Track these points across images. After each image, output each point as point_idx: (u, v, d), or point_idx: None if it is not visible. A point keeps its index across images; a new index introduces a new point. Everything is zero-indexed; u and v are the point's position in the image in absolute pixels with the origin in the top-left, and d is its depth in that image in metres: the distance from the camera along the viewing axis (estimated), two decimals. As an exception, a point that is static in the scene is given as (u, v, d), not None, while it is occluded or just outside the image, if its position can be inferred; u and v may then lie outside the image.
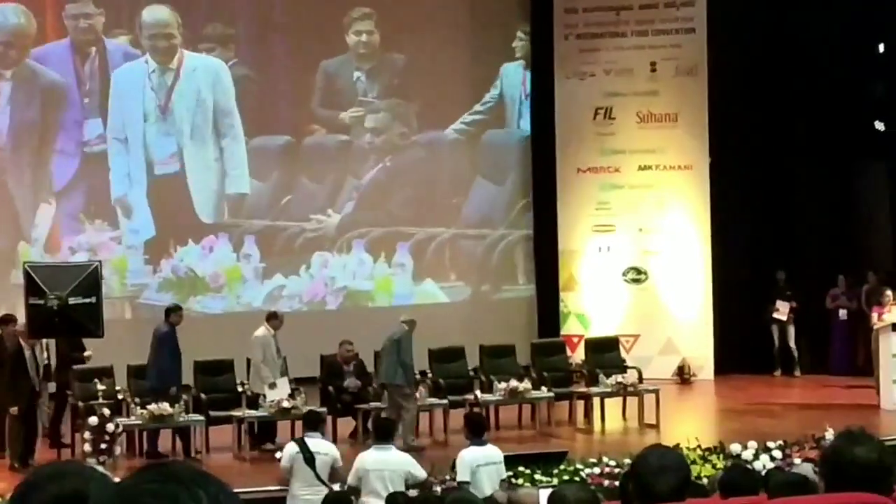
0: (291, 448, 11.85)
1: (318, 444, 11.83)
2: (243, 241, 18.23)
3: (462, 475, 11.38)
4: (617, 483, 12.06)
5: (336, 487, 11.53)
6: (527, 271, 20.71)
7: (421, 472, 11.55)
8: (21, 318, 14.56)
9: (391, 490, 11.02)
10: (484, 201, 20.30)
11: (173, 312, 15.43)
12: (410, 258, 19.29)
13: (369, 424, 15.49)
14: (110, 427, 13.81)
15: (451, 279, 19.79)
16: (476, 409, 14.99)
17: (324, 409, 15.37)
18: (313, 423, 12.34)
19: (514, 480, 12.50)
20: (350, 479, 11.41)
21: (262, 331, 15.41)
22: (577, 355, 19.11)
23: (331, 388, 15.76)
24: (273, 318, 15.45)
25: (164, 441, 15.05)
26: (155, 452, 14.69)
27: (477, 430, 11.95)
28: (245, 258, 18.19)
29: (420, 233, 19.60)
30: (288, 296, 18.31)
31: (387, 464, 11.37)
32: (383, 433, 11.91)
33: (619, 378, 16.51)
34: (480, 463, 11.44)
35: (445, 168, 20.25)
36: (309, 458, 11.61)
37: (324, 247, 18.73)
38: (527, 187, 21.02)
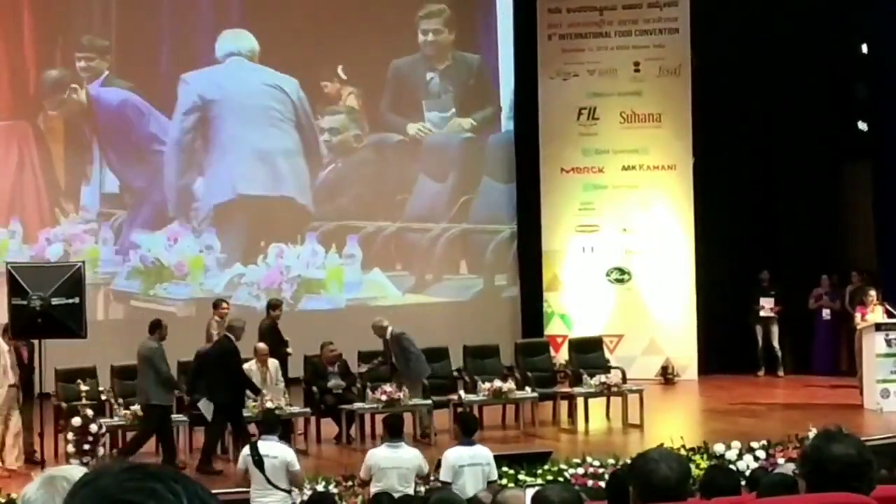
0: (244, 451, 11.88)
1: (270, 447, 11.76)
2: (205, 233, 19.16)
3: (444, 475, 11.39)
4: (601, 483, 12.08)
5: (293, 490, 11.62)
6: (469, 262, 21.10)
7: (424, 468, 11.68)
8: (4, 318, 14.55)
9: (405, 485, 11.33)
10: (427, 197, 20.83)
11: (272, 309, 16.09)
12: (359, 249, 19.98)
13: (353, 427, 15.57)
14: (94, 428, 13.78)
15: (397, 269, 20.38)
16: (461, 409, 15.03)
17: (307, 409, 15.46)
18: (269, 425, 12.37)
19: (498, 481, 12.51)
20: (362, 474, 11.64)
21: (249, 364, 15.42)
22: (561, 355, 19.14)
23: (315, 388, 15.77)
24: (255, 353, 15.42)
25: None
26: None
27: (466, 430, 11.95)
28: (207, 249, 19.06)
29: (368, 226, 20.32)
30: (247, 283, 19.16)
31: (402, 461, 11.56)
32: (395, 430, 11.99)
33: (603, 378, 16.52)
34: (465, 463, 11.43)
35: (391, 167, 20.80)
36: (258, 461, 11.58)
37: (280, 239, 19.53)
38: (466, 184, 21.28)
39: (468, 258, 21.18)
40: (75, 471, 3.53)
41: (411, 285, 20.51)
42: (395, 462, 11.55)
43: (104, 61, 18.96)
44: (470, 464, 11.45)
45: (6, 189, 18.45)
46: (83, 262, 14.96)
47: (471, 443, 11.72)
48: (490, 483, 11.45)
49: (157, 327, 14.64)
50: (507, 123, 21.76)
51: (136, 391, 14.76)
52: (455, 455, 11.53)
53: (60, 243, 18.28)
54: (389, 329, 15.89)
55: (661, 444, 12.19)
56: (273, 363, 15.47)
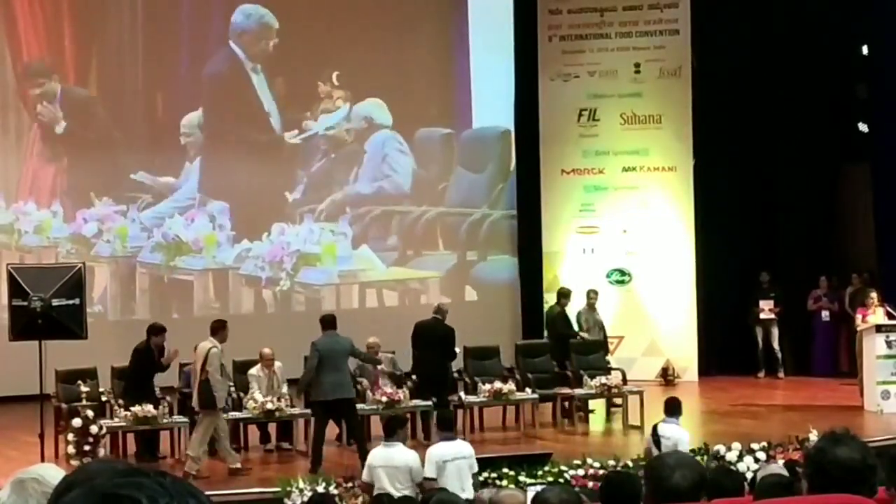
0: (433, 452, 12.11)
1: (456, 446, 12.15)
2: (217, 214, 21.01)
3: (429, 471, 11.51)
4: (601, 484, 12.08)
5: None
6: (446, 240, 22.32)
7: (420, 472, 11.63)
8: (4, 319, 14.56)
9: (398, 486, 11.36)
10: (409, 184, 22.28)
11: (562, 297, 17.90)
12: (350, 228, 21.63)
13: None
14: (94, 429, 13.79)
15: (382, 245, 21.90)
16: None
17: (307, 411, 15.41)
18: (446, 423, 12.61)
19: (498, 482, 12.52)
20: (364, 476, 11.75)
21: (255, 369, 15.46)
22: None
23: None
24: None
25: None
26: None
27: (444, 425, 12.19)
28: (219, 227, 21.02)
29: (358, 208, 21.81)
30: (253, 257, 21.12)
31: (391, 460, 11.60)
32: (389, 430, 12.06)
33: (604, 379, 16.52)
34: (448, 458, 11.57)
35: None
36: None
37: (281, 219, 21.31)
38: (447, 172, 22.26)
39: (444, 236, 22.29)
40: (43, 470, 3.52)
41: (395, 259, 21.96)
42: (385, 461, 11.61)
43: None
44: (452, 458, 11.60)
45: (49, 176, 20.23)
46: (83, 262, 14.99)
47: (451, 438, 11.91)
48: (474, 475, 11.67)
49: (335, 320, 14.76)
50: (477, 119, 22.32)
51: (340, 387, 14.46)
52: (438, 451, 11.69)
53: (95, 222, 20.28)
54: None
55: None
56: (278, 366, 15.45)
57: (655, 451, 12.06)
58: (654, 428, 12.57)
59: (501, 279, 22.20)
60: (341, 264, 21.50)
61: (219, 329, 14.26)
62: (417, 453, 11.92)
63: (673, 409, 12.91)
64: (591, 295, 18.76)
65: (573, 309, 18.70)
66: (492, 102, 22.14)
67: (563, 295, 18.42)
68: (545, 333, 18.91)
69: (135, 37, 20.45)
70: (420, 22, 21.89)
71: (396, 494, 11.27)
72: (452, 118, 22.33)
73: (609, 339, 19.20)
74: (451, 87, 22.31)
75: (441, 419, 12.69)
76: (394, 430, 12.07)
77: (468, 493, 11.08)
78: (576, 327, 18.36)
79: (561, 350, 17.59)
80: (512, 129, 22.06)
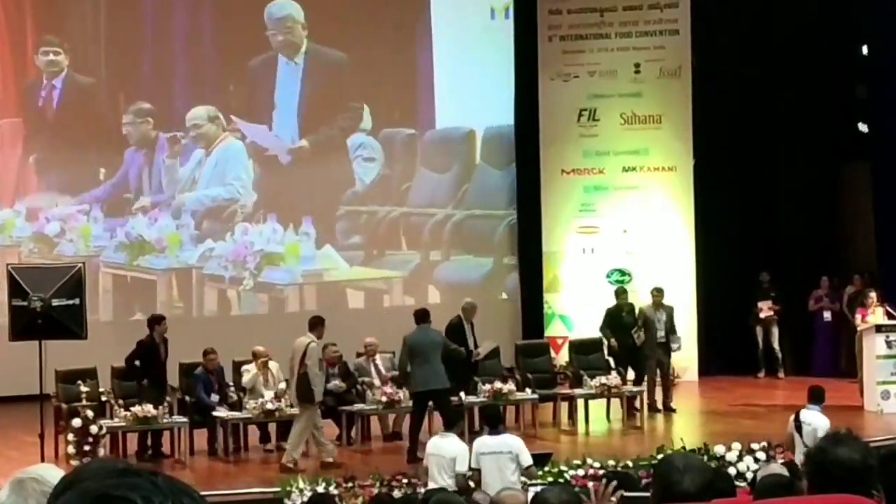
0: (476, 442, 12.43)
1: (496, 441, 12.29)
2: (181, 213, 21.08)
3: (472, 462, 11.86)
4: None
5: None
6: (409, 240, 22.36)
7: (463, 465, 11.87)
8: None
9: (444, 475, 11.76)
10: (373, 185, 22.34)
11: (616, 296, 18.12)
12: (313, 228, 21.64)
13: (353, 428, 15.58)
14: (94, 429, 13.79)
15: (345, 245, 21.93)
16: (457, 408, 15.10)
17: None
18: (492, 419, 12.69)
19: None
20: (425, 462, 12.25)
21: (248, 367, 15.51)
22: (562, 357, 19.15)
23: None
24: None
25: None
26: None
27: (488, 421, 12.56)
28: (183, 227, 21.09)
29: (322, 208, 21.85)
30: (216, 256, 21.14)
31: (440, 449, 11.98)
32: (447, 422, 12.66)
33: (604, 379, 16.52)
34: (484, 451, 11.86)
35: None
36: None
37: (245, 218, 21.40)
38: (410, 172, 22.19)
39: (407, 236, 22.32)
40: (43, 470, 3.52)
41: (360, 259, 21.99)
42: (436, 450, 12.03)
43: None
44: (490, 452, 11.85)
45: (12, 175, 20.27)
46: (83, 263, 15.01)
47: (495, 432, 12.15)
48: (527, 469, 11.91)
49: (428, 314, 15.00)
50: (440, 120, 22.29)
51: (432, 379, 14.61)
52: (477, 444, 12.04)
53: (58, 222, 20.23)
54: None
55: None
56: (274, 365, 15.47)
57: (797, 437, 12.46)
58: (797, 414, 12.79)
59: (465, 279, 21.98)
60: (304, 264, 21.55)
61: (317, 325, 14.53)
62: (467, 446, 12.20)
63: (816, 396, 13.11)
64: (655, 293, 18.23)
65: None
66: (455, 102, 22.11)
67: (616, 294, 18.60)
68: None
69: (97, 36, 20.44)
70: (381, 23, 21.78)
71: (442, 483, 11.57)
72: (415, 119, 22.26)
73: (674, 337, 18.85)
74: (413, 88, 22.25)
75: (487, 415, 12.97)
76: (451, 422, 12.41)
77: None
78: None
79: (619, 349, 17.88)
80: (486, 128, 22.17)
